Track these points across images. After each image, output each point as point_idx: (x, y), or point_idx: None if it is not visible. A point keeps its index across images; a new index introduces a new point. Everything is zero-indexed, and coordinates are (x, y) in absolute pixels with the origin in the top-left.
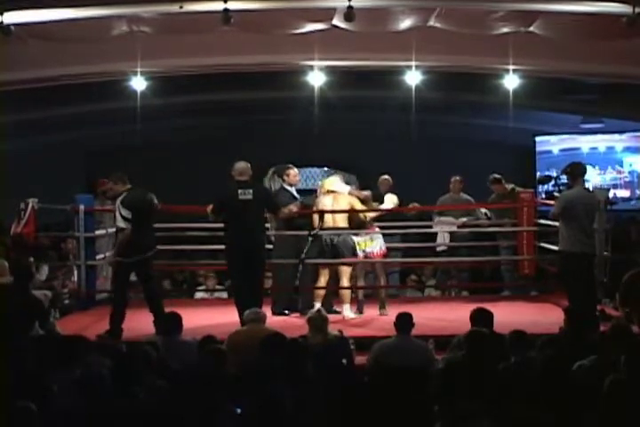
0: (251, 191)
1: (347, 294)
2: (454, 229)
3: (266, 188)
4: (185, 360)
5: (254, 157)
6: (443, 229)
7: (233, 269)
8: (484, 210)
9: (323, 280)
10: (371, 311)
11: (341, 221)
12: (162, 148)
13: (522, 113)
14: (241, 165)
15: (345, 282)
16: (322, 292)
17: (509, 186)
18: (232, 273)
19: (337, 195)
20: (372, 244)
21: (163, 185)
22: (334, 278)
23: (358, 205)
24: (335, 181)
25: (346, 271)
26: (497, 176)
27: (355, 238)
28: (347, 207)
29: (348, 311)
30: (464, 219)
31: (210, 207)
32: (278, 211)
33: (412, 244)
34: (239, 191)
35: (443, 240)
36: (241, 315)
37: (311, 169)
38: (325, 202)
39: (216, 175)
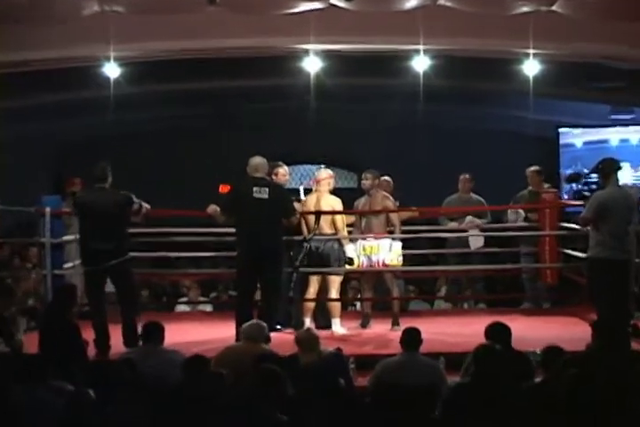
0: (266, 190)
1: (336, 306)
2: (476, 231)
3: (283, 188)
4: (166, 373)
5: (242, 152)
6: (473, 232)
7: (241, 276)
8: (521, 211)
9: (312, 291)
10: (377, 327)
11: (326, 226)
12: (139, 141)
13: (543, 102)
14: (256, 161)
15: (334, 293)
16: (311, 305)
17: (545, 185)
18: (239, 280)
19: (320, 195)
20: (378, 251)
21: (141, 182)
22: (324, 290)
23: (339, 208)
24: (324, 175)
25: (334, 282)
26: (539, 168)
27: (362, 242)
28: (327, 210)
29: (337, 326)
30: (481, 220)
31: (212, 208)
32: (292, 216)
33: (417, 251)
34: (254, 189)
35: (475, 243)
36: (239, 328)
37: (306, 166)
38: (309, 202)
39: (201, 172)
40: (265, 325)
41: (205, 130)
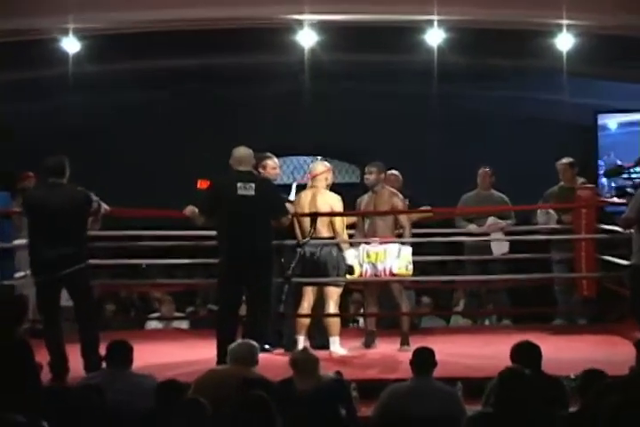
0: (253, 186)
1: (335, 323)
2: (500, 234)
3: (272, 183)
4: (134, 400)
5: (224, 141)
6: (496, 236)
7: (223, 287)
8: (551, 211)
9: (306, 305)
10: (383, 347)
11: (323, 228)
12: (104, 129)
13: (578, 83)
14: (241, 152)
15: (332, 307)
16: (305, 321)
17: (580, 180)
18: (221, 292)
19: (317, 191)
20: (384, 257)
21: (107, 177)
22: (321, 303)
23: (338, 207)
24: (320, 168)
25: (333, 294)
26: (571, 160)
27: (366, 247)
28: (324, 208)
29: (336, 346)
30: (505, 222)
31: (189, 210)
32: (283, 216)
33: (430, 257)
34: (238, 185)
35: (499, 248)
36: (220, 349)
37: (299, 158)
38: (303, 200)
39: (177, 165)
40: (257, 345)
41: (181, 116)
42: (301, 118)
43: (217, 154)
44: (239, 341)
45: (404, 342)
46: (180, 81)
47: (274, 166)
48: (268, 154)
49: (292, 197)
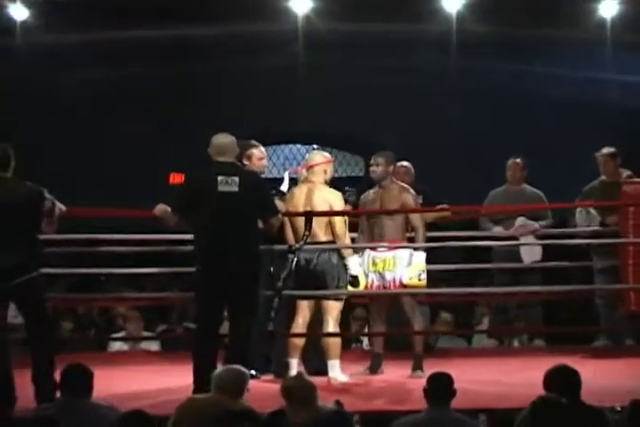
0: (236, 180)
1: (334, 344)
2: (531, 238)
3: (259, 177)
4: None
5: (205, 126)
6: (527, 240)
7: (201, 301)
8: (592, 211)
9: (301, 322)
10: (392, 372)
11: (321, 230)
12: (58, 113)
13: (623, 57)
14: (222, 140)
15: (331, 325)
16: (299, 341)
17: (625, 172)
18: (199, 307)
19: (313, 186)
20: (393, 265)
21: (61, 173)
22: (318, 321)
23: (339, 206)
24: (319, 159)
25: (333, 309)
26: (612, 150)
27: (371, 253)
28: (322, 207)
29: (336, 371)
30: (538, 223)
31: (160, 209)
32: (273, 216)
33: (448, 266)
34: (219, 179)
35: (530, 255)
36: (198, 375)
37: (292, 147)
38: (297, 197)
39: (147, 156)
40: (247, 372)
41: (153, 98)
42: (295, 99)
43: (193, 142)
44: (226, 366)
45: (417, 367)
46: (153, 54)
47: (260, 157)
48: (254, 142)
49: (284, 187)
